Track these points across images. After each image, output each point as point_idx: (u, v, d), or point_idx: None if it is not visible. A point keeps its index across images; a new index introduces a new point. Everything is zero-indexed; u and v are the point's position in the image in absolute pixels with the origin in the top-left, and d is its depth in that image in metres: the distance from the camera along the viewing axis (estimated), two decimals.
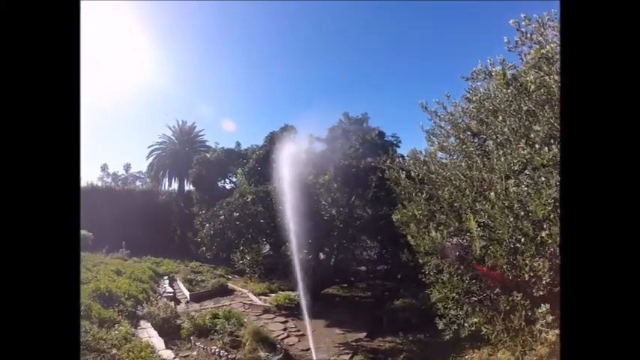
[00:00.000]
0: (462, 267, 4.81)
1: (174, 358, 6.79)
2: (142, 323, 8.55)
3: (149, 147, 30.70)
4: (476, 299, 4.65)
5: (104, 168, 42.49)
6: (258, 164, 20.94)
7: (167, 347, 7.30)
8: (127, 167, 43.78)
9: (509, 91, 3.67)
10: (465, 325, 4.52)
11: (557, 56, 3.24)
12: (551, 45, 3.46)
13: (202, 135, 31.51)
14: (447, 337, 4.84)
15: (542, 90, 3.20)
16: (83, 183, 31.64)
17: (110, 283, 9.85)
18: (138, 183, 40.42)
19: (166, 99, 54.19)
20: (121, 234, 20.17)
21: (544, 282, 3.39)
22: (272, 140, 23.52)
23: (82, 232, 18.51)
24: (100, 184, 34.70)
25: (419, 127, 6.37)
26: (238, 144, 22.99)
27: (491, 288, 4.33)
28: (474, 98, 4.60)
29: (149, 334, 7.90)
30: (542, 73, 3.24)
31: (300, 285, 10.45)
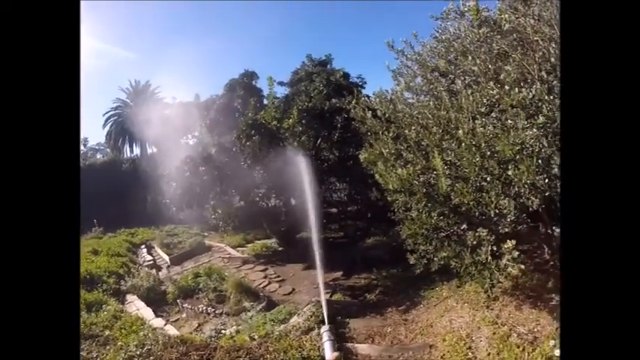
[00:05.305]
0: (429, 204, 4.96)
1: (165, 324, 6.87)
2: (129, 297, 8.52)
3: (104, 114, 28.29)
4: (444, 235, 4.91)
5: None
6: (220, 114, 19.90)
7: (157, 315, 7.39)
8: (85, 141, 40.19)
9: (480, 31, 3.51)
10: (435, 259, 4.80)
11: None
12: None
13: (159, 93, 29.21)
14: (418, 270, 5.16)
15: (514, 35, 3.07)
16: None
17: (89, 265, 9.63)
18: (98, 156, 37.04)
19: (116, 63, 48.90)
20: (90, 212, 18.91)
21: (509, 219, 3.59)
22: (232, 88, 22.15)
23: None
24: None
25: (385, 67, 6.20)
26: (197, 96, 21.64)
27: (459, 224, 4.57)
28: (443, 37, 4.40)
29: (137, 306, 7.91)
30: (517, 14, 3.08)
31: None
